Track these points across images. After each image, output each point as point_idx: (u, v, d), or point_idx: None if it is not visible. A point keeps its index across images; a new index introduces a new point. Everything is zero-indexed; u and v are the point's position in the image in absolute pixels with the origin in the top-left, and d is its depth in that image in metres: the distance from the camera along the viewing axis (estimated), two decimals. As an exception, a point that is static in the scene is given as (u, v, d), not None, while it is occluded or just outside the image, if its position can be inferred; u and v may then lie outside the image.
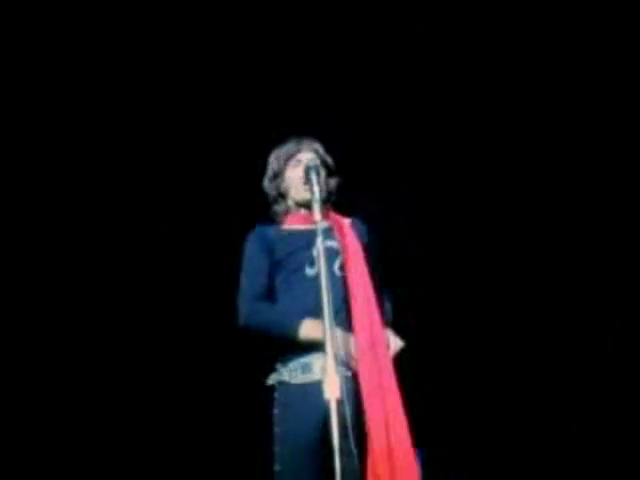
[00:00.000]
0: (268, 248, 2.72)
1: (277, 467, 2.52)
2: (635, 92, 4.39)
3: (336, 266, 2.65)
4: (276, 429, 2.55)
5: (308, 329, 2.52)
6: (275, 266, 2.69)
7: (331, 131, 3.16)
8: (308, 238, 2.65)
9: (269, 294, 2.69)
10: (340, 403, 2.22)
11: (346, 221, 2.78)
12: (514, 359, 4.40)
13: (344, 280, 2.61)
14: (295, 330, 2.54)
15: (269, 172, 2.87)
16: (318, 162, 2.71)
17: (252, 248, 2.74)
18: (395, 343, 2.62)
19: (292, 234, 2.75)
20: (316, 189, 2.51)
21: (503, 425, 4.32)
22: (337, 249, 2.68)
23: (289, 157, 2.83)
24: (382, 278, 2.77)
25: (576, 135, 4.50)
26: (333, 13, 4.35)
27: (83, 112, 4.37)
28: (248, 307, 2.65)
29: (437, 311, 4.37)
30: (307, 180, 2.58)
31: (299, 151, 2.83)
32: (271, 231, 2.79)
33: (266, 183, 2.89)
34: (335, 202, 2.89)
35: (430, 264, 4.47)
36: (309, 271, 2.63)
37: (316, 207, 2.48)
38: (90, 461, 4.18)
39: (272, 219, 2.88)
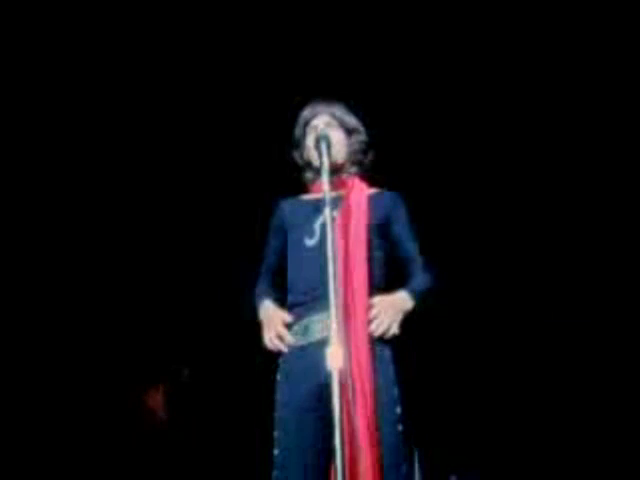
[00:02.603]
0: (281, 222, 2.75)
1: (276, 433, 2.51)
2: (635, 92, 4.36)
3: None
4: (277, 395, 2.56)
5: (260, 311, 2.64)
6: (286, 237, 2.72)
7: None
8: (313, 208, 2.64)
9: (280, 272, 2.72)
10: (342, 373, 2.20)
11: (366, 193, 2.70)
12: (514, 358, 4.40)
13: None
14: (258, 312, 2.65)
15: (293, 141, 2.85)
16: (327, 131, 2.64)
17: (270, 226, 2.80)
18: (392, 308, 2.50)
19: (302, 205, 2.75)
20: (325, 159, 2.47)
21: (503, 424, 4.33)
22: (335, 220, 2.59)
23: (306, 124, 2.79)
24: (411, 249, 2.67)
25: (575, 135, 4.50)
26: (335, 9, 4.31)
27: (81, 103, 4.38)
28: (255, 290, 2.74)
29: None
30: (317, 150, 2.54)
31: (314, 116, 2.78)
32: (287, 204, 2.80)
33: (292, 152, 2.86)
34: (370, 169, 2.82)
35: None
36: (308, 242, 2.62)
37: (325, 177, 2.44)
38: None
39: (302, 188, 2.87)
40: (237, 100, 4.43)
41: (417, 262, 2.67)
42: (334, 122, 2.75)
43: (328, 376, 2.13)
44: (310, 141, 2.72)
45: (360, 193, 2.69)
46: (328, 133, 2.60)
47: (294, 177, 2.86)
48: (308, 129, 2.77)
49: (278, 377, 2.58)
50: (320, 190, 2.60)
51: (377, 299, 2.51)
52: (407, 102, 4.40)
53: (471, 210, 4.51)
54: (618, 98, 4.38)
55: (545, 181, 4.53)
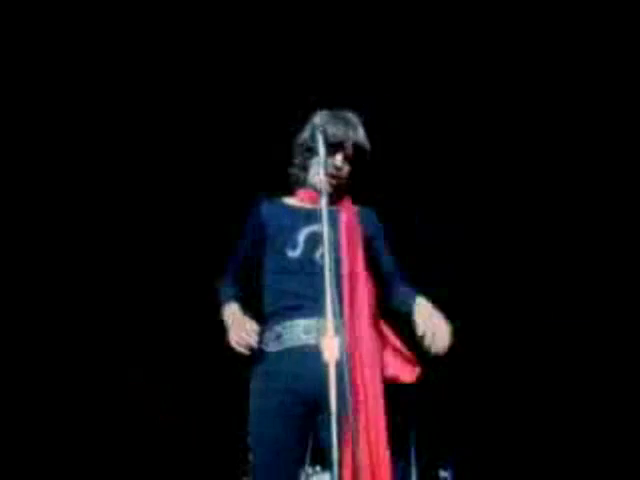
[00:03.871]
0: (260, 223, 2.69)
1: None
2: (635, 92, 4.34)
3: (317, 253, 2.56)
4: (254, 402, 2.52)
5: (225, 312, 2.54)
6: (265, 241, 2.67)
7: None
8: (298, 219, 2.64)
9: (246, 270, 2.70)
10: (339, 365, 2.15)
11: (352, 210, 2.69)
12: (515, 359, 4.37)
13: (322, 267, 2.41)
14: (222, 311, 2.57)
15: (307, 135, 2.73)
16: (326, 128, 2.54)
17: (246, 224, 2.75)
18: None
19: (286, 210, 2.71)
20: (322, 150, 2.41)
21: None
22: (321, 235, 2.44)
23: (333, 142, 2.63)
24: (391, 262, 2.72)
25: (574, 135, 4.48)
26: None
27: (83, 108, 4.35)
28: (221, 284, 2.67)
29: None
30: (314, 143, 2.48)
31: (344, 140, 2.67)
32: (270, 204, 2.74)
33: (300, 141, 2.75)
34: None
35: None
36: (291, 253, 2.59)
37: (321, 170, 2.38)
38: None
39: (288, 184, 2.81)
40: (229, 99, 4.41)
41: (397, 275, 2.71)
42: (352, 155, 2.69)
43: (314, 375, 2.21)
44: (338, 160, 2.66)
45: (351, 210, 2.69)
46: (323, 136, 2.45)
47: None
48: (337, 148, 2.66)
49: (253, 385, 2.54)
50: (308, 199, 2.69)
51: (425, 314, 2.47)
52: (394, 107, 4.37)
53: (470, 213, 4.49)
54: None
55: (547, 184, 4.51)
